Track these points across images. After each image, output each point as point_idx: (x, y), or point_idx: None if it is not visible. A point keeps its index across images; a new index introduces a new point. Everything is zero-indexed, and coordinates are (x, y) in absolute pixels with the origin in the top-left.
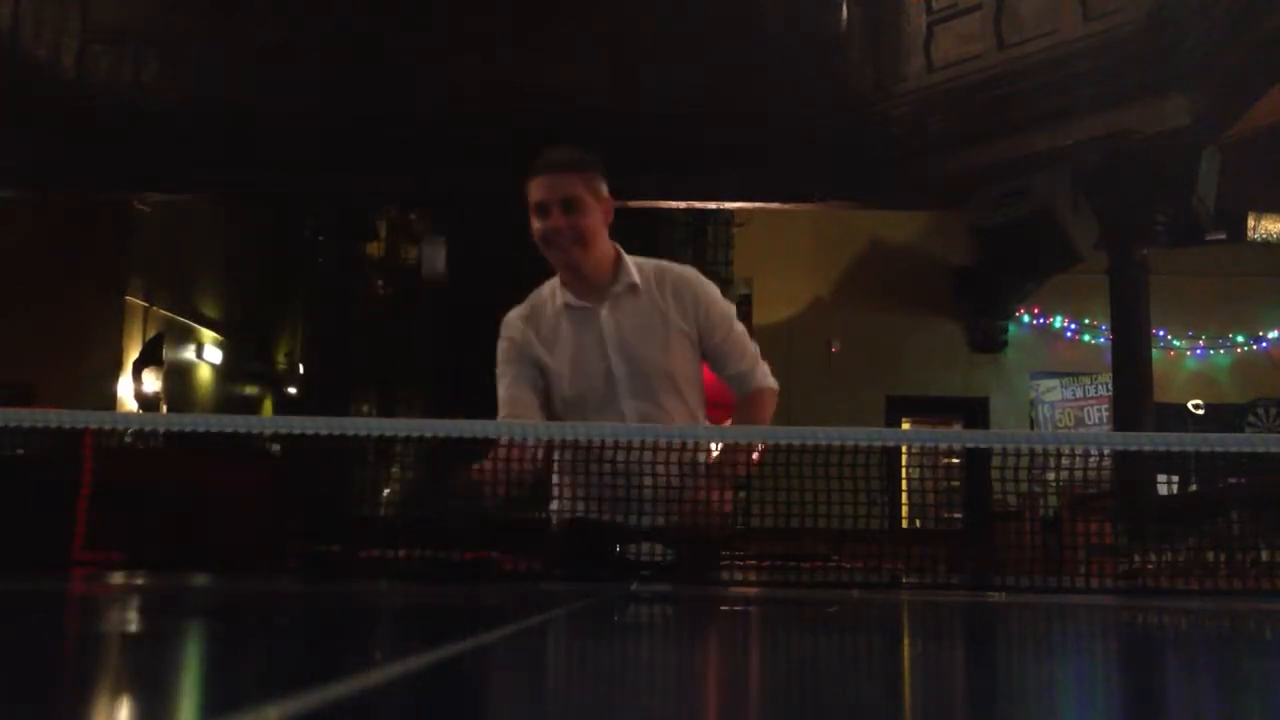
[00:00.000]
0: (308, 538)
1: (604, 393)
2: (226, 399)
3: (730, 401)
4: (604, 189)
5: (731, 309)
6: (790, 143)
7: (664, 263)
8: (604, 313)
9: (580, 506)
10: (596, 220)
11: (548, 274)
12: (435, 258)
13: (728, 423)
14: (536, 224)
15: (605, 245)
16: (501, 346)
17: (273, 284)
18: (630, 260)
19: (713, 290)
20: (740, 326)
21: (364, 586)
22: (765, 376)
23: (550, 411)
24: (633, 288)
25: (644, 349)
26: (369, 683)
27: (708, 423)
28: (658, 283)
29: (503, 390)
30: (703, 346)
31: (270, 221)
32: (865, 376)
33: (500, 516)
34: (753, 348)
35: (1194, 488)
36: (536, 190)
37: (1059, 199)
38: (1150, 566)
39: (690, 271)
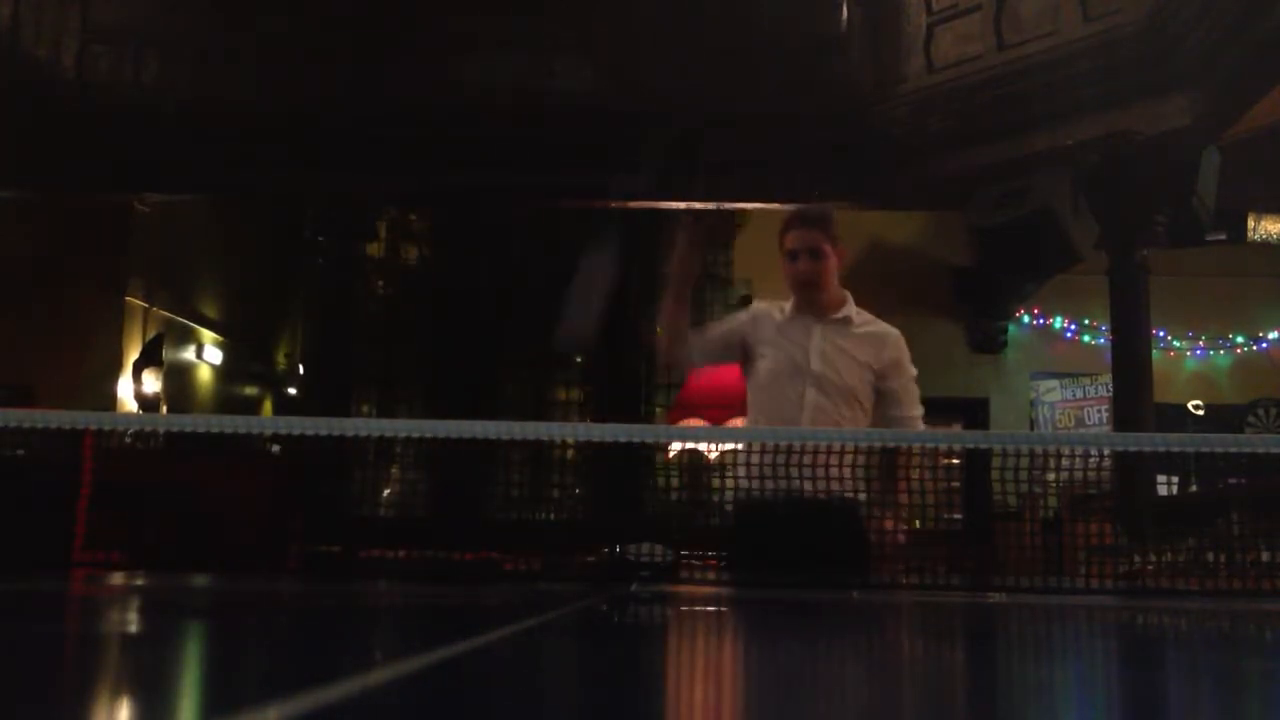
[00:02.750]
0: (308, 538)
1: (797, 378)
2: (226, 399)
3: (731, 402)
4: (840, 243)
5: (914, 371)
6: (790, 143)
7: (879, 320)
8: (819, 326)
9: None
10: (832, 268)
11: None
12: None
13: (733, 423)
14: (786, 266)
15: (836, 289)
16: (739, 316)
17: (273, 284)
18: (855, 307)
19: (906, 349)
20: (916, 390)
21: (364, 586)
22: (918, 427)
23: (749, 384)
24: (847, 319)
25: (836, 361)
26: (369, 683)
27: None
28: (868, 328)
29: (709, 329)
30: (879, 385)
31: (270, 221)
32: None
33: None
34: (920, 406)
35: (1194, 488)
36: (790, 241)
37: (1059, 199)
38: (1150, 567)
39: (897, 332)
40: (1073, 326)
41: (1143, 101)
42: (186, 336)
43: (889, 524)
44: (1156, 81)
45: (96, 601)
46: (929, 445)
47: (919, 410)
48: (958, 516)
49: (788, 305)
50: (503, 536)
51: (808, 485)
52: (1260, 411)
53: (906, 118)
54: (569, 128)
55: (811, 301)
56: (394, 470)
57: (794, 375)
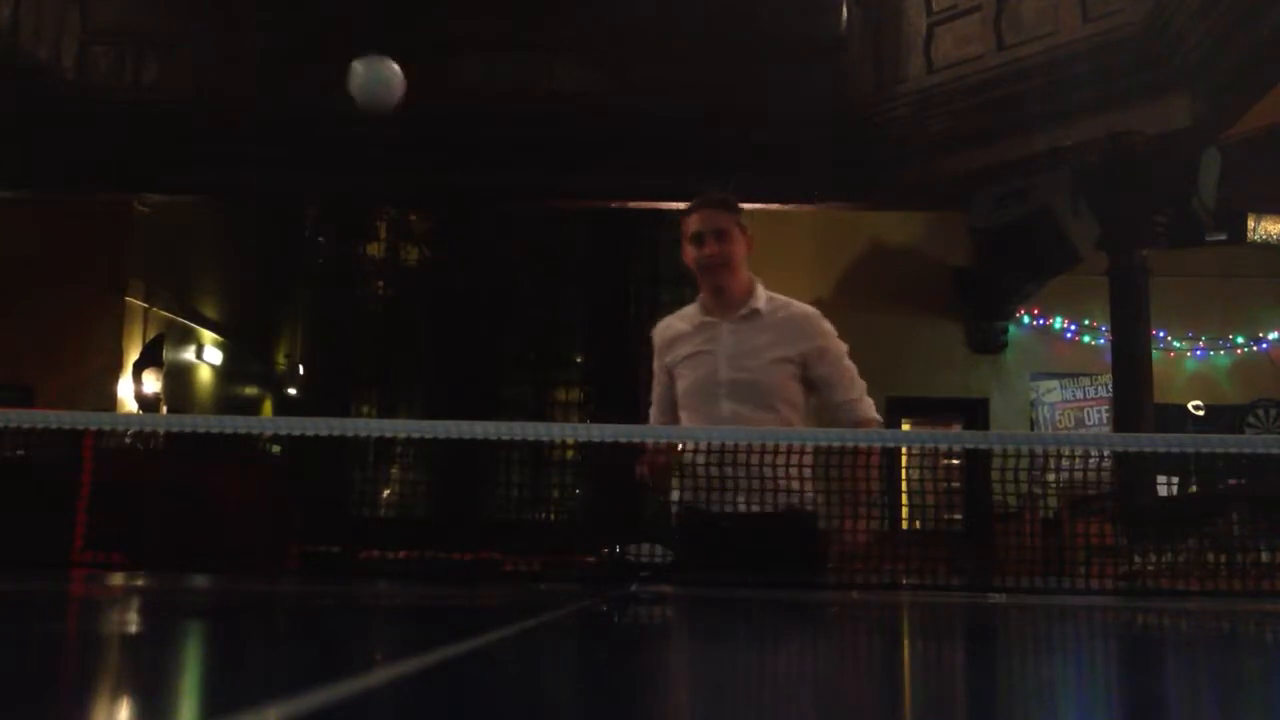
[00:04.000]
0: (308, 538)
1: (711, 393)
2: (226, 400)
3: None
4: (747, 228)
5: (843, 349)
6: (790, 143)
7: (793, 301)
8: (727, 327)
9: (693, 498)
10: (740, 251)
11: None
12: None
13: None
14: (692, 251)
15: (746, 275)
16: (654, 349)
17: (273, 284)
18: (763, 292)
19: (827, 329)
20: (850, 365)
21: (364, 586)
22: (868, 409)
23: (678, 404)
24: (755, 312)
25: (749, 364)
26: (369, 683)
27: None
28: (780, 314)
29: (654, 389)
30: (809, 375)
31: (270, 221)
32: (865, 377)
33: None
34: (860, 384)
35: (1194, 489)
36: (696, 223)
37: (1059, 200)
38: (1150, 567)
39: (812, 310)
40: (1073, 327)
41: (1143, 102)
42: (186, 336)
43: (847, 524)
44: (1156, 82)
45: (96, 601)
46: (929, 445)
47: (859, 391)
48: (958, 516)
49: (690, 311)
50: (503, 537)
51: (755, 489)
52: (1260, 412)
53: (906, 118)
54: (569, 128)
55: (719, 290)
56: (394, 470)
57: (707, 389)
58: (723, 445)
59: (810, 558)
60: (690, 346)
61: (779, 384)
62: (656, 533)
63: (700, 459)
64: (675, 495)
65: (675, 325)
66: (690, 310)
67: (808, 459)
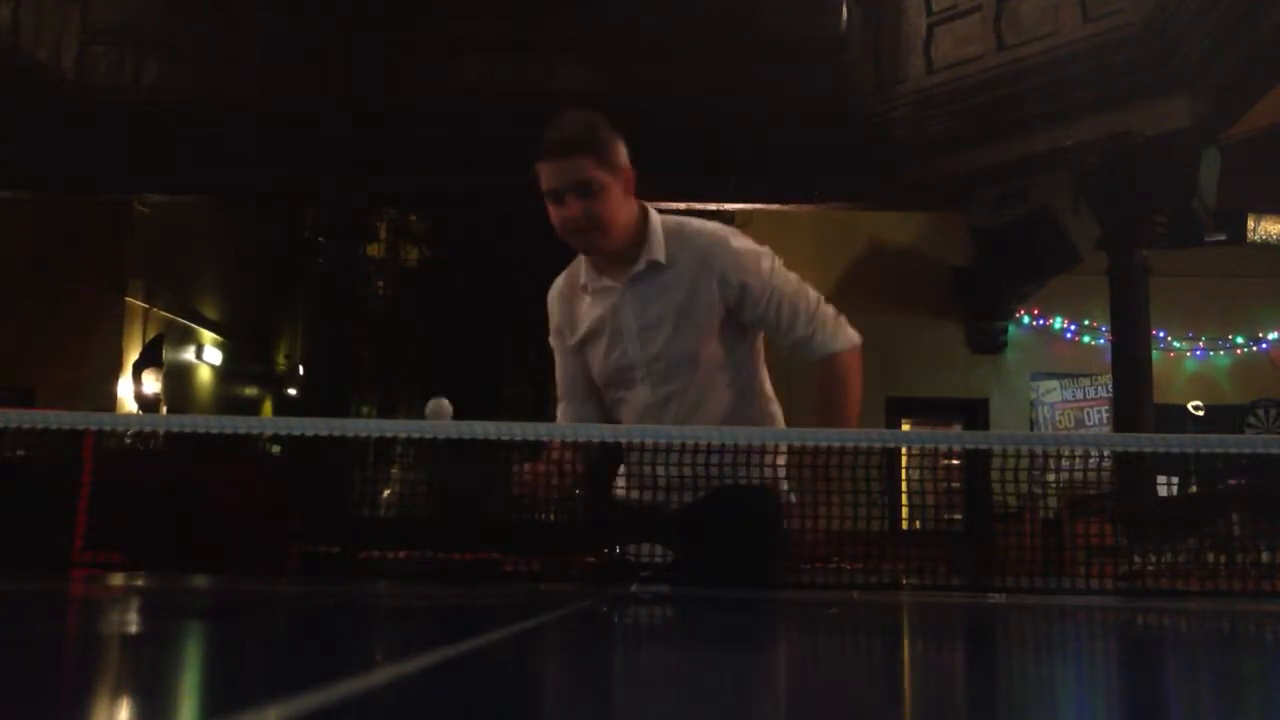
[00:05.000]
0: (308, 538)
1: (627, 379)
2: (226, 400)
3: None
4: (620, 156)
5: (769, 268)
6: (790, 144)
7: (689, 224)
8: (623, 294)
9: (627, 490)
10: (616, 199)
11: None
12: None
13: None
14: (553, 212)
15: (628, 218)
16: (550, 324)
17: (273, 284)
18: (657, 230)
19: (743, 251)
20: (790, 290)
21: (364, 587)
22: (831, 340)
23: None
24: (654, 266)
25: (661, 333)
26: (369, 684)
27: (754, 397)
28: (682, 253)
29: (557, 373)
30: (742, 319)
31: (270, 221)
32: (865, 377)
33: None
34: (810, 308)
35: (1194, 489)
36: (547, 177)
37: (1059, 200)
38: (1150, 568)
39: (718, 234)
40: (1073, 327)
41: (1143, 102)
42: (186, 337)
43: (807, 524)
44: (1156, 82)
45: (96, 601)
46: (929, 445)
47: (814, 322)
48: (958, 516)
49: (581, 267)
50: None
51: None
52: (1260, 412)
53: (906, 118)
54: None
55: (596, 252)
56: (394, 470)
57: (622, 374)
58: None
59: (764, 539)
60: (589, 322)
61: (704, 346)
62: (590, 538)
63: (644, 457)
64: (620, 492)
65: (567, 292)
66: (581, 268)
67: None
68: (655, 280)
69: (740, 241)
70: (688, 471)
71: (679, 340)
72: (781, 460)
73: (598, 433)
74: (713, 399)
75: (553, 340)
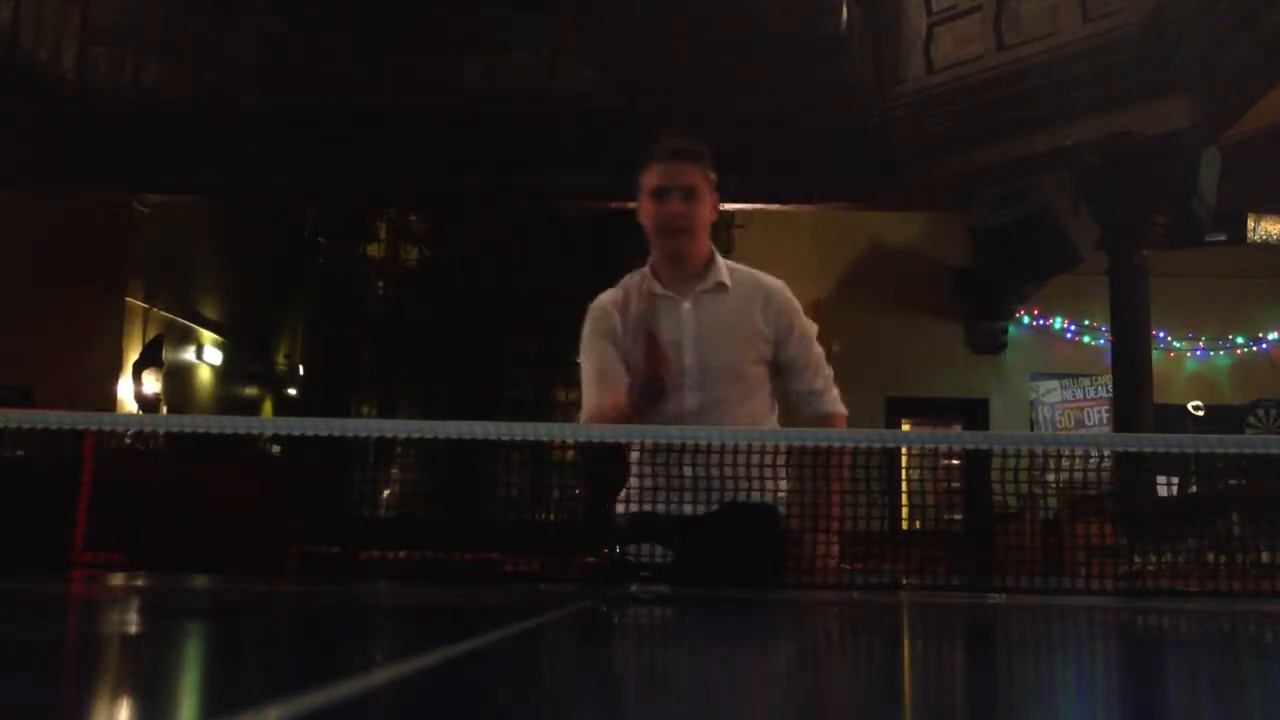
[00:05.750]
0: (308, 538)
1: (674, 384)
2: (226, 400)
3: None
4: (713, 183)
5: (813, 329)
6: (790, 144)
7: (757, 271)
8: (686, 305)
9: (646, 500)
10: (707, 211)
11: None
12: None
13: None
14: (651, 208)
15: (706, 241)
16: (588, 326)
17: (273, 284)
18: (723, 262)
19: (797, 304)
20: (819, 349)
21: (364, 587)
22: (835, 402)
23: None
24: (720, 286)
25: (717, 345)
26: (369, 684)
27: (772, 417)
28: (746, 286)
29: (591, 366)
30: (776, 354)
31: (270, 222)
32: (865, 377)
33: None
34: (826, 371)
35: (1194, 489)
36: (658, 176)
37: (1059, 200)
38: (1150, 568)
39: (780, 283)
40: (1073, 327)
41: (1142, 102)
42: (186, 337)
43: (819, 537)
44: (1156, 82)
45: (96, 601)
46: (929, 446)
47: (824, 379)
48: (958, 516)
49: (639, 279)
50: (502, 537)
51: (715, 488)
52: (1260, 412)
53: (906, 118)
54: (569, 128)
55: (677, 258)
56: (394, 471)
57: (669, 379)
58: (683, 445)
59: (770, 555)
60: (642, 328)
61: (749, 366)
62: (611, 540)
63: (660, 458)
64: (622, 504)
65: (620, 303)
66: (635, 282)
67: (780, 458)
68: (717, 299)
69: (792, 295)
70: (701, 481)
71: (728, 355)
72: (784, 486)
73: (598, 433)
74: (744, 415)
75: (595, 343)
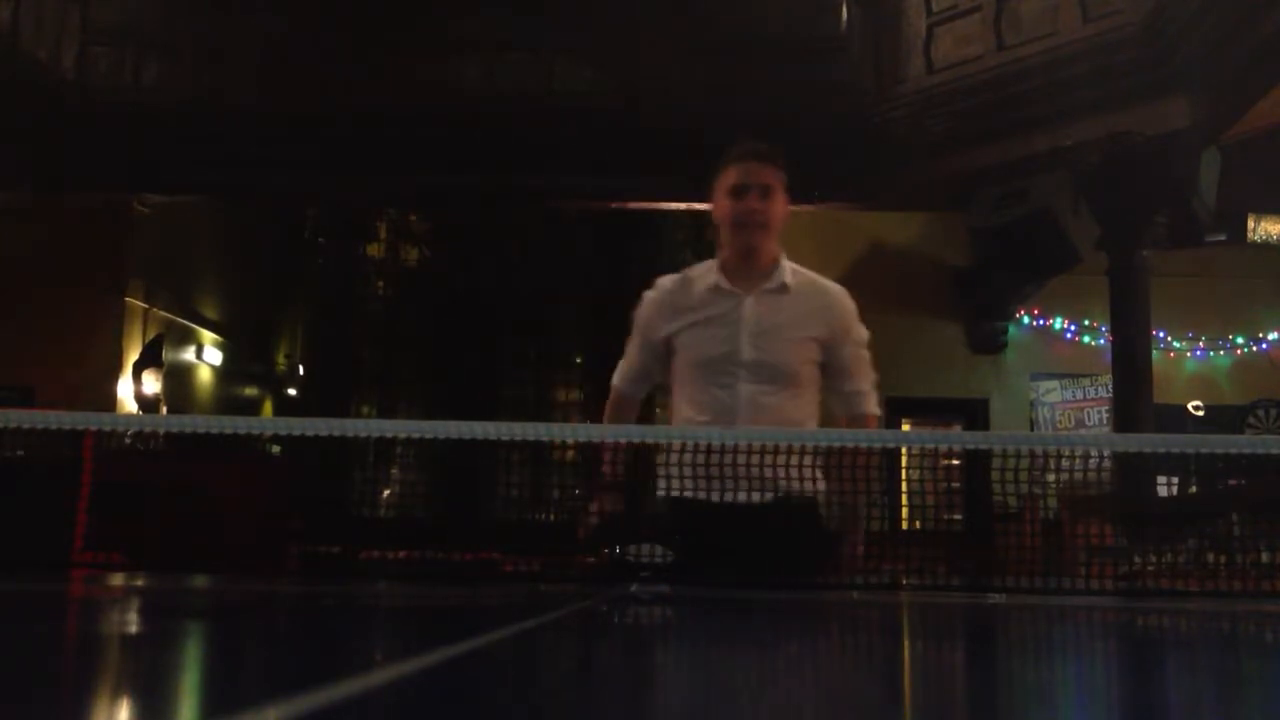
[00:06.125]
0: (308, 538)
1: (727, 372)
2: (226, 400)
3: None
4: (786, 187)
5: (865, 335)
6: (790, 144)
7: (819, 277)
8: (750, 301)
9: (683, 487)
10: (781, 211)
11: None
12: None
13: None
14: (728, 205)
15: (776, 241)
16: (639, 310)
17: (273, 284)
18: (788, 264)
19: (853, 310)
20: (868, 355)
21: (364, 587)
22: (874, 404)
23: (673, 377)
24: (783, 286)
25: (773, 343)
26: (369, 684)
27: (815, 420)
28: (808, 290)
29: (628, 352)
30: (827, 357)
31: (270, 221)
32: None
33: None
34: (872, 375)
35: (1194, 490)
36: (738, 175)
37: (1059, 200)
38: (1150, 568)
39: (840, 288)
40: (1073, 327)
41: (1142, 102)
42: (186, 337)
43: (851, 536)
44: (1156, 82)
45: (96, 602)
46: (929, 446)
47: (869, 383)
48: (958, 516)
49: (704, 272)
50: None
51: (755, 478)
52: (1260, 413)
53: (906, 118)
54: (569, 128)
55: (749, 253)
56: (394, 471)
57: (723, 366)
58: (723, 445)
59: (811, 548)
60: (700, 314)
61: (803, 367)
62: (650, 527)
63: (698, 453)
64: (663, 488)
65: (680, 291)
66: (702, 272)
67: (815, 454)
68: (779, 299)
69: (851, 301)
70: (741, 472)
71: (782, 353)
72: (820, 483)
73: (598, 433)
74: (794, 412)
75: (637, 333)
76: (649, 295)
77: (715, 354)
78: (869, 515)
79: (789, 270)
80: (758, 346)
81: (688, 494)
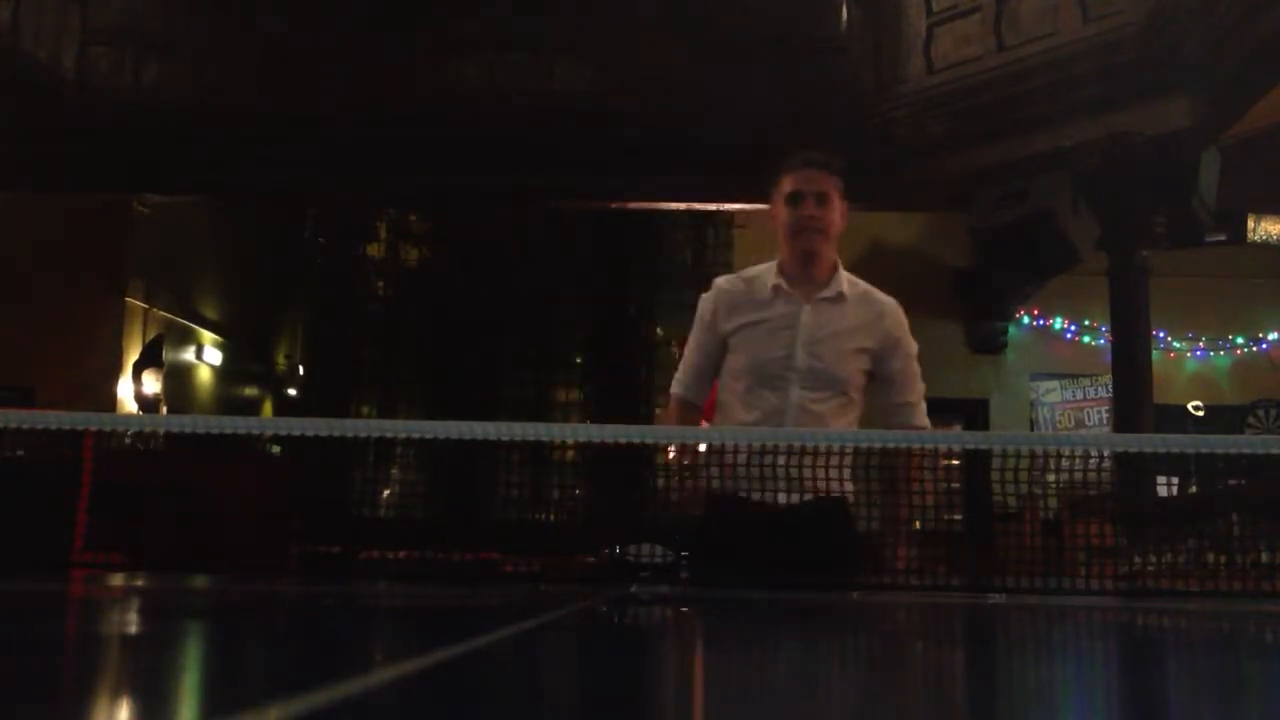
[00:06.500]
0: (308, 538)
1: (780, 376)
2: (226, 400)
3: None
4: (843, 193)
5: (915, 348)
6: (790, 144)
7: (874, 289)
8: (807, 308)
9: (731, 486)
10: (837, 217)
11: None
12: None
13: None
14: (785, 211)
15: (834, 249)
16: (701, 308)
17: (273, 284)
18: (845, 274)
19: (905, 323)
20: (918, 368)
21: (364, 587)
22: (923, 417)
23: (723, 376)
24: (840, 295)
25: (827, 351)
26: (369, 684)
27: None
28: (863, 300)
29: (689, 353)
30: (878, 368)
31: (270, 221)
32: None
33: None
34: (921, 387)
35: (1194, 489)
36: (795, 182)
37: (1059, 200)
38: (1150, 568)
39: (894, 302)
40: (1073, 327)
41: (1143, 102)
42: (186, 336)
43: (899, 541)
44: (1156, 82)
45: (96, 602)
46: (929, 446)
47: (919, 394)
48: (958, 517)
49: (763, 274)
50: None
51: (793, 489)
52: (1260, 413)
53: (906, 118)
54: (569, 128)
55: (808, 258)
56: (394, 471)
57: (777, 371)
58: (762, 445)
59: (846, 549)
60: (758, 316)
61: (853, 376)
62: (682, 524)
63: (741, 455)
64: (709, 487)
65: (742, 288)
66: (762, 274)
67: (848, 459)
68: (834, 309)
69: (903, 314)
70: (781, 474)
71: (834, 362)
72: (849, 486)
73: (598, 433)
74: (840, 417)
75: (699, 332)
76: (708, 295)
77: (770, 357)
78: (914, 520)
79: (846, 279)
80: (812, 354)
81: (725, 492)
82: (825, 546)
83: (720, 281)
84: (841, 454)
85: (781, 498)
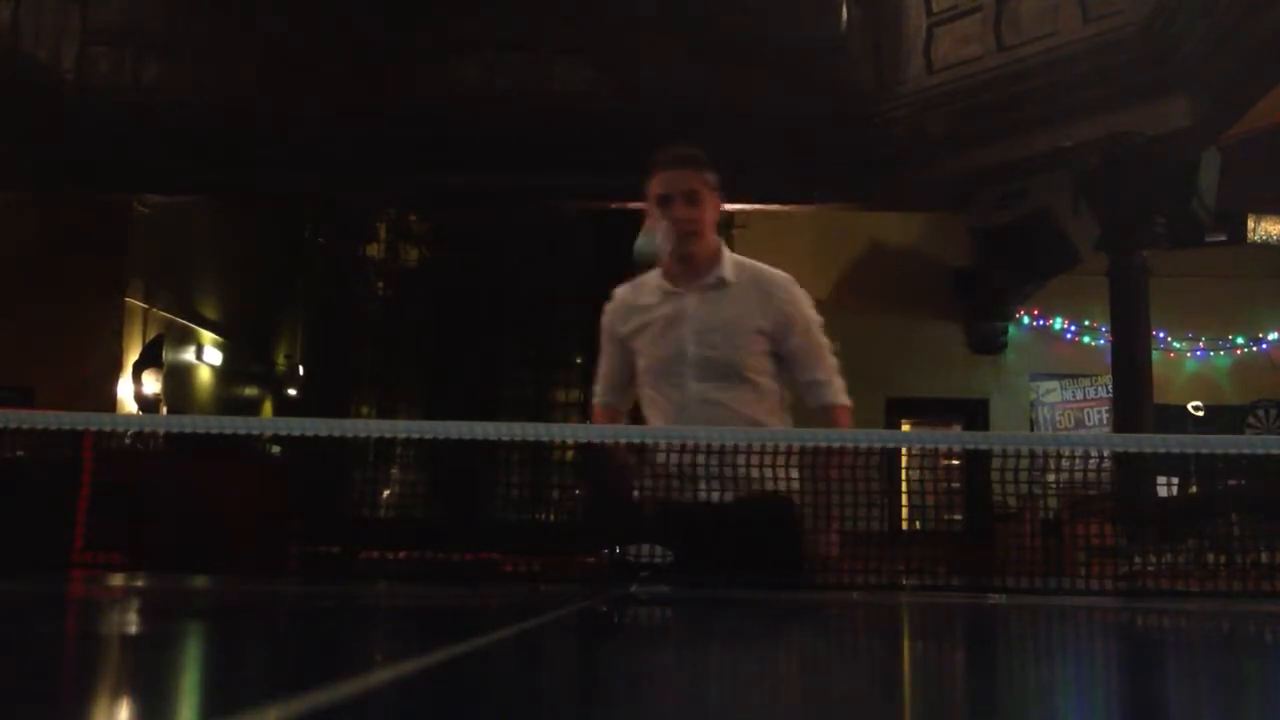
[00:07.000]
0: (308, 538)
1: (676, 371)
2: (226, 400)
3: None
4: (715, 186)
5: (817, 320)
6: (791, 144)
7: (763, 266)
8: (693, 300)
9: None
10: (710, 213)
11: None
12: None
13: None
14: (660, 215)
15: (713, 240)
16: (603, 321)
17: (273, 285)
18: (730, 257)
19: (800, 297)
20: (824, 340)
21: (364, 587)
22: (839, 393)
23: (639, 380)
24: (722, 281)
25: (720, 339)
26: (369, 684)
27: (779, 415)
28: (751, 282)
29: (601, 364)
30: (778, 348)
31: (270, 221)
32: (865, 378)
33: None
34: (831, 362)
35: (1194, 489)
36: (661, 184)
37: (1059, 200)
38: (1150, 568)
39: (784, 276)
40: (1073, 327)
41: (1143, 102)
42: (186, 337)
43: (829, 531)
44: (1156, 82)
45: (96, 602)
46: (929, 446)
47: (829, 370)
48: (958, 516)
49: (651, 276)
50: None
51: (727, 477)
52: (1260, 413)
53: (906, 118)
54: (569, 128)
55: (686, 257)
56: (394, 471)
57: (672, 367)
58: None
59: (786, 547)
60: (649, 317)
61: (750, 359)
62: (632, 530)
63: (671, 452)
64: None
65: (631, 296)
66: (650, 278)
67: (789, 455)
68: (722, 294)
69: (798, 288)
70: (714, 472)
71: (727, 348)
72: (795, 475)
73: (598, 433)
74: (747, 409)
75: (605, 341)
76: (608, 305)
77: (665, 354)
78: (846, 515)
79: (730, 264)
80: (704, 344)
81: (656, 494)
82: (758, 542)
83: (618, 290)
84: (763, 451)
85: (715, 496)
